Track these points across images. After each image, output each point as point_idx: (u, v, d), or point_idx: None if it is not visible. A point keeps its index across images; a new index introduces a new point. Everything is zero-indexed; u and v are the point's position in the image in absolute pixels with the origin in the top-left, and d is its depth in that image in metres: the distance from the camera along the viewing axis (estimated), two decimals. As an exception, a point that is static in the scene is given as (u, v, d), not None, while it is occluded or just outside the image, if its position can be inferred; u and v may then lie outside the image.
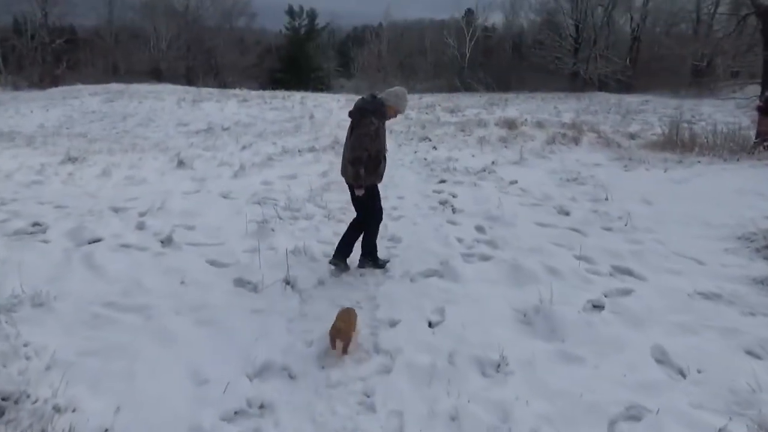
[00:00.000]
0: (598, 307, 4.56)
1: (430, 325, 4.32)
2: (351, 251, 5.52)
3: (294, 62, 50.28)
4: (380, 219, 5.59)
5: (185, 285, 4.92)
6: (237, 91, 34.00)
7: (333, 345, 3.90)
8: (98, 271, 5.12)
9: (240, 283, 5.04)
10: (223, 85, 40.19)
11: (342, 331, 3.87)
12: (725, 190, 7.78)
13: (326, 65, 55.72)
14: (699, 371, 3.69)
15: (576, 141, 15.85)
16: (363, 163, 5.03)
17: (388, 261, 5.60)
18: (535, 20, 46.78)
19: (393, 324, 4.31)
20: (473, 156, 12.43)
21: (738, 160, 11.31)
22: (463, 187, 8.55)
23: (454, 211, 7.32)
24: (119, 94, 31.51)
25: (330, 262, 5.43)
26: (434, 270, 5.29)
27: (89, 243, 5.92)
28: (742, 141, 13.75)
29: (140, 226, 6.56)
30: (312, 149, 13.72)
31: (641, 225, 6.30)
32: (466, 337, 4.02)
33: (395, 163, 12.14)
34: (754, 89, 25.72)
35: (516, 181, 8.95)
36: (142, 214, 7.07)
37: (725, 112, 26.95)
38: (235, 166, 11.41)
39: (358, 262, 5.56)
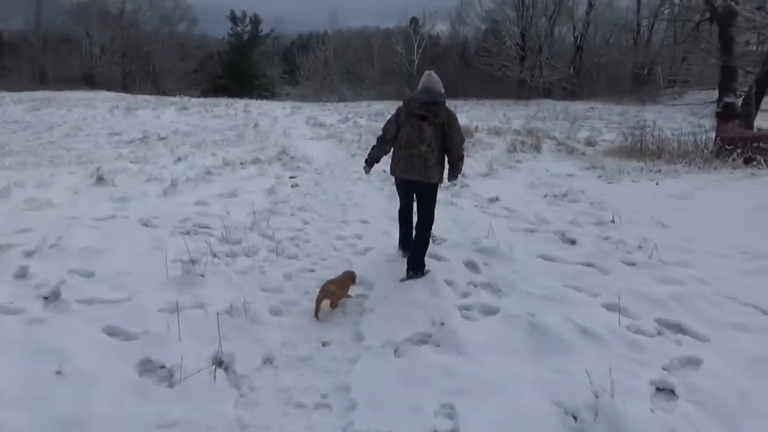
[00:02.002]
0: (664, 390, 3.14)
1: (436, 439, 2.80)
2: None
3: (237, 69, 47.87)
4: None
5: (62, 377, 3.21)
6: (176, 98, 31.65)
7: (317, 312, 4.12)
8: (-71, 358, 3.34)
9: (147, 368, 3.36)
10: (161, 92, 37.60)
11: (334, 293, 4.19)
12: (741, 207, 6.64)
13: (271, 72, 53.52)
14: None
15: (537, 149, 14.87)
16: None
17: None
18: (480, 28, 46.22)
19: (380, 440, 2.76)
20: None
21: (716, 168, 10.41)
22: (437, 207, 7.07)
23: (434, 239, 5.82)
24: (46, 102, 28.65)
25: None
26: (426, 334, 3.76)
27: (-64, 304, 4.10)
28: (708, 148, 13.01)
29: (21, 274, 4.73)
30: (256, 161, 12.00)
31: (669, 257, 4.99)
32: (499, 470, 2.52)
33: (350, 176, 10.61)
34: (693, 96, 25.52)
35: (497, 198, 7.55)
36: (28, 254, 5.22)
37: (667, 118, 26.95)
38: (166, 182, 9.59)
39: (406, 276, 4.80)
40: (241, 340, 3.65)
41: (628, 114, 29.53)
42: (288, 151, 12.98)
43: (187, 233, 6.20)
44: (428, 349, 3.56)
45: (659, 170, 10.17)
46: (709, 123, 24.29)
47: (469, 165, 11.37)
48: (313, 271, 5.10)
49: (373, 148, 5.10)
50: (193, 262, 5.00)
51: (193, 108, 27.89)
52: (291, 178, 10.37)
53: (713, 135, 14.79)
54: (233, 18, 54.60)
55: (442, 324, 3.82)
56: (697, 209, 6.69)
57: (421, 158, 4.72)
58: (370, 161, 5.17)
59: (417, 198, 5.08)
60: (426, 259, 5.19)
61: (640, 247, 5.29)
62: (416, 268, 4.80)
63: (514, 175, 10.25)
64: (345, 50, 52.84)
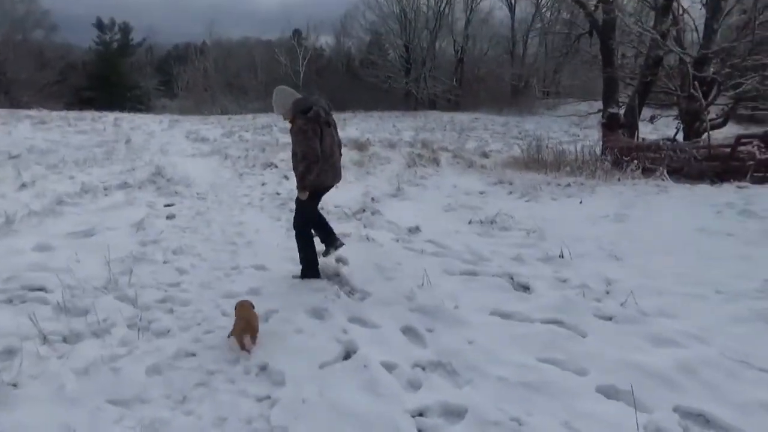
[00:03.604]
0: None
1: None
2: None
3: (106, 80, 43.35)
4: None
5: None
6: (32, 111, 27.59)
7: (242, 345, 3.51)
8: None
9: None
10: (16, 104, 32.88)
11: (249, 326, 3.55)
12: (682, 230, 5.94)
13: (144, 84, 49.20)
14: None
15: (436, 162, 14.12)
16: None
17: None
18: (364, 40, 45.56)
19: None
20: (336, 188, 9.65)
21: (619, 180, 10.07)
22: (350, 243, 5.72)
23: (351, 293, 4.47)
24: None
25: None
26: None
27: None
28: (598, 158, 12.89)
29: None
30: (124, 185, 9.97)
31: (644, 303, 4.00)
32: None
33: (239, 201, 9.01)
34: (573, 107, 26.47)
35: (418, 228, 6.34)
36: None
37: (545, 128, 27.81)
38: (1, 217, 7.44)
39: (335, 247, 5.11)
40: None
41: (510, 124, 30.18)
42: (164, 171, 11.07)
43: (10, 301, 4.36)
44: None
45: (569, 184, 9.59)
46: (584, 133, 25.32)
47: (373, 184, 10.21)
48: (193, 355, 3.54)
49: (311, 170, 4.54)
50: (7, 354, 3.28)
51: (52, 122, 24.41)
52: (167, 206, 8.56)
53: (598, 144, 14.96)
54: (100, 25, 49.54)
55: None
56: (640, 235, 5.85)
57: (339, 161, 4.93)
58: (310, 186, 4.66)
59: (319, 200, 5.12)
60: (350, 325, 3.86)
61: (608, 293, 4.29)
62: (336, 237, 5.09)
63: (423, 194, 9.20)
64: (226, 61, 49.86)
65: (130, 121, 26.55)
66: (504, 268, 4.88)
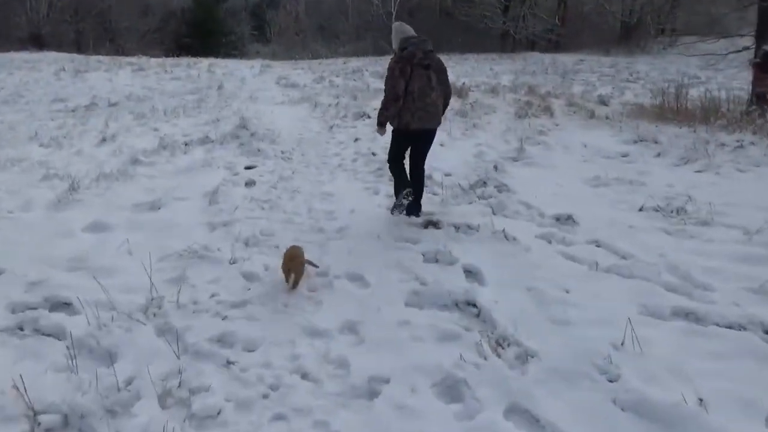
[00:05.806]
0: None
1: None
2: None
3: (202, 26, 42.79)
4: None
5: None
6: (132, 58, 27.34)
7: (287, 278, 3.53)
8: None
9: None
10: (120, 52, 33.03)
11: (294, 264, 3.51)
12: None
13: (239, 29, 48.42)
14: None
15: (550, 111, 11.86)
16: None
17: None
18: (459, -24, 41.82)
19: None
20: (442, 146, 7.80)
21: (803, 139, 7.52)
22: (480, 242, 3.95)
23: (501, 346, 2.73)
24: (-16, 65, 24.31)
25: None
26: None
27: None
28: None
29: None
30: (206, 140, 8.69)
31: None
32: None
33: (329, 163, 7.46)
34: (706, 45, 22.63)
35: (571, 218, 4.45)
36: None
37: (661, 70, 24.28)
38: (67, 181, 6.36)
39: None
40: None
41: (619, 66, 26.58)
42: (249, 124, 9.64)
43: (20, 330, 3.04)
44: None
45: (741, 145, 7.22)
46: (706, 74, 21.53)
47: (485, 141, 8.28)
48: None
49: (387, 108, 4.58)
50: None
51: (150, 69, 23.98)
52: (247, 168, 7.17)
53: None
54: (197, -29, 48.89)
55: None
56: None
57: (434, 106, 4.65)
58: (385, 122, 4.70)
59: (421, 145, 4.80)
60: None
61: None
62: (419, 210, 4.82)
63: (550, 156, 7.19)
64: (317, 5, 47.97)
65: (223, 67, 25.66)
66: (745, 309, 2.90)
